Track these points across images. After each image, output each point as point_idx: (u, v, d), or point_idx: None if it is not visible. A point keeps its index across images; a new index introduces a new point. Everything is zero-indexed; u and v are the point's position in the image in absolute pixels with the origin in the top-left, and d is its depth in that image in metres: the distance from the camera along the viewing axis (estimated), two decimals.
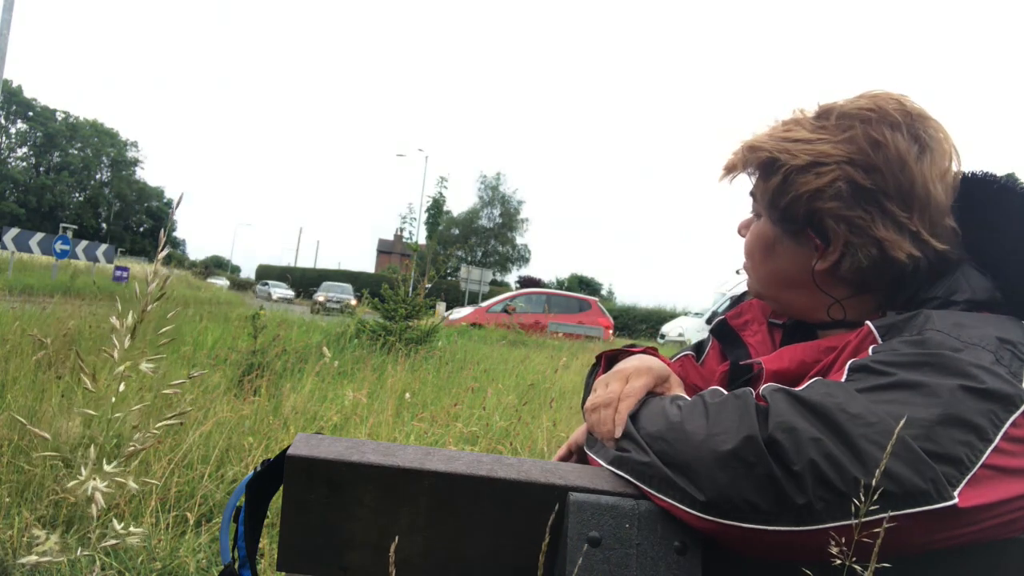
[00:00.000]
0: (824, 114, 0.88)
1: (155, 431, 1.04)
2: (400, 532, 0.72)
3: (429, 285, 8.49)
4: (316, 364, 5.21)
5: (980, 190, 0.84)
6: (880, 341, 0.76)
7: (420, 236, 39.22)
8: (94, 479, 0.89)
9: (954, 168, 0.86)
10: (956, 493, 0.61)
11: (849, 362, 0.73)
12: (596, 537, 0.69)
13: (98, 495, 0.90)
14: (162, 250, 0.96)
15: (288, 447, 0.74)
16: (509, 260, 48.97)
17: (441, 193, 40.92)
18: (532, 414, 4.79)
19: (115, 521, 0.93)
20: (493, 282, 41.09)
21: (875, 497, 0.60)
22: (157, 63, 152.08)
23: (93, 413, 0.97)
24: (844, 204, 0.83)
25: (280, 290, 36.53)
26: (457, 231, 47.41)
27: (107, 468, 0.93)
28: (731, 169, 0.95)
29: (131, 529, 0.93)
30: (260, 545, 2.31)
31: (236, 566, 0.83)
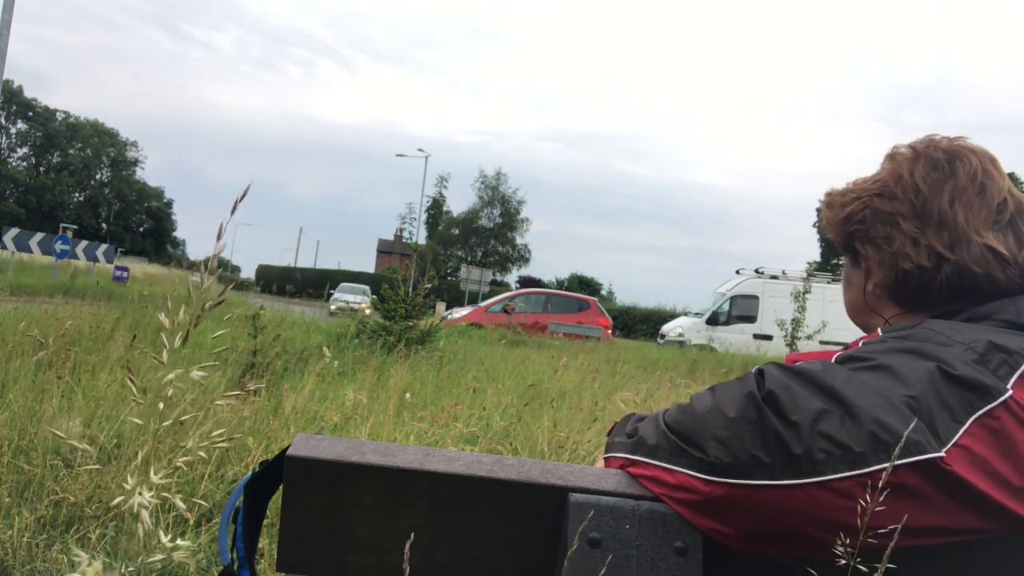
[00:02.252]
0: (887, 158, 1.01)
1: (203, 446, 1.03)
2: (400, 532, 0.72)
3: (429, 285, 8.48)
4: (316, 364, 5.21)
5: None
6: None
7: (420, 236, 39.29)
8: (140, 493, 0.87)
9: (992, 192, 0.89)
10: (944, 450, 0.64)
11: (836, 355, 0.79)
12: (596, 538, 0.69)
13: (144, 513, 0.88)
14: (218, 239, 0.92)
15: (288, 447, 0.74)
16: (509, 260, 48.93)
17: (441, 193, 40.97)
18: (532, 414, 4.79)
19: (162, 534, 0.91)
20: (493, 282, 41.09)
21: (874, 448, 0.63)
22: (157, 63, 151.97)
23: (139, 421, 0.96)
24: (867, 226, 0.95)
25: (355, 297, 26.54)
26: (457, 231, 47.39)
27: (154, 478, 0.91)
28: None
29: (179, 543, 0.91)
30: (260, 545, 2.31)
31: (235, 567, 0.83)
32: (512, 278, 53.22)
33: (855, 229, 0.97)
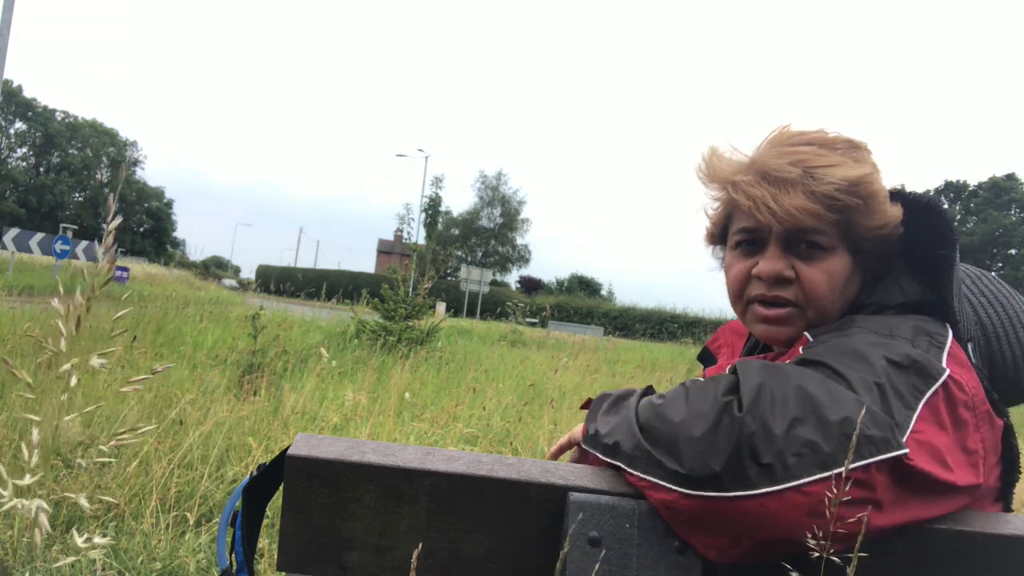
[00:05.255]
0: None
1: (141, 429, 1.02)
2: (400, 532, 0.72)
3: (428, 285, 8.47)
4: (316, 364, 5.21)
5: (913, 206, 0.95)
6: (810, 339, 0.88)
7: (419, 236, 39.25)
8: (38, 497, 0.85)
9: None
10: (904, 441, 0.67)
11: (789, 357, 0.83)
12: (596, 537, 0.69)
13: (43, 517, 0.87)
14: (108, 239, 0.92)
15: (288, 447, 0.74)
16: (509, 260, 48.90)
17: (437, 193, 40.90)
18: (532, 414, 4.79)
19: (75, 533, 0.90)
20: (493, 282, 41.07)
21: (846, 446, 0.64)
22: (156, 62, 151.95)
23: (35, 417, 0.94)
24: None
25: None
26: (457, 231, 47.36)
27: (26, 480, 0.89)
28: None
29: (95, 540, 0.90)
30: (260, 545, 2.31)
31: (234, 570, 0.83)
32: (512, 278, 53.23)
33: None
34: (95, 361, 0.91)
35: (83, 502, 0.90)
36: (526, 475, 0.73)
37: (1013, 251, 40.15)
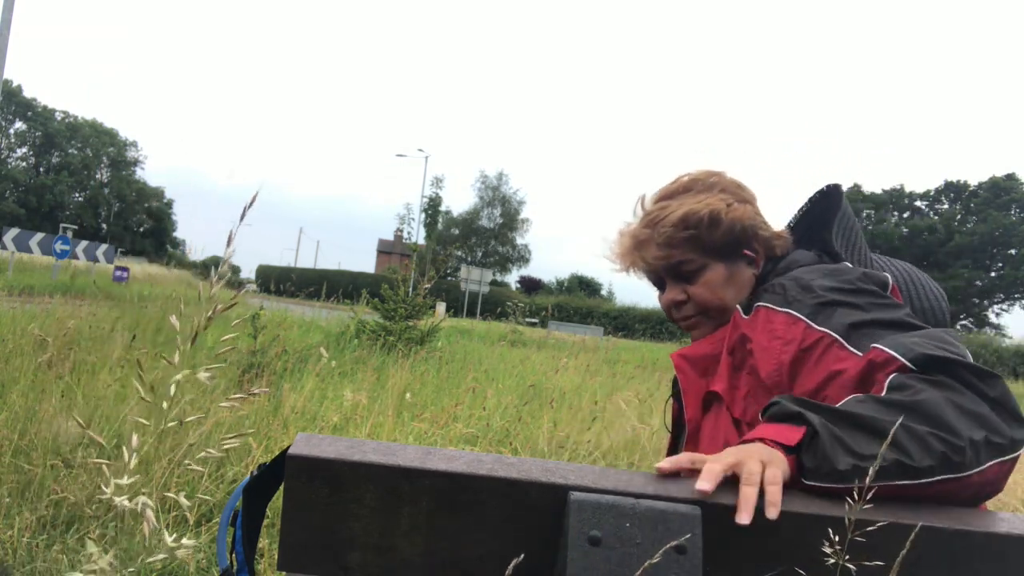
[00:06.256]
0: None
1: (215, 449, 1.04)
2: (400, 532, 0.72)
3: (428, 285, 8.47)
4: (316, 364, 5.21)
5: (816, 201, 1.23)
6: (744, 315, 1.10)
7: (419, 236, 39.25)
8: (143, 493, 0.87)
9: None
10: None
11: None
12: (596, 536, 0.69)
13: (149, 512, 0.88)
14: (229, 247, 0.93)
15: (288, 447, 0.74)
16: (509, 260, 48.90)
17: (437, 193, 40.93)
18: (532, 414, 4.79)
19: (165, 534, 0.91)
20: (493, 282, 41.05)
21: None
22: (157, 63, 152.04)
23: (145, 421, 0.96)
24: (756, 226, 1.25)
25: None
26: (457, 231, 47.37)
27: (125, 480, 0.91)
28: None
29: (183, 542, 0.91)
30: (260, 545, 2.31)
31: (234, 570, 0.83)
32: (512, 278, 53.22)
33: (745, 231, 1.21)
34: (202, 375, 0.95)
35: (182, 500, 0.94)
36: (526, 475, 0.73)
37: (1013, 251, 40.08)
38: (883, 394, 0.83)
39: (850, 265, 1.13)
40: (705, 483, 0.72)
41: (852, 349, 0.93)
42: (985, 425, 0.78)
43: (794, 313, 1.01)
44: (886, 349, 0.88)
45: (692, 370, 1.17)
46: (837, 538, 0.63)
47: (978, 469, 0.77)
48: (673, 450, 1.30)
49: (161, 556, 0.90)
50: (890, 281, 1.07)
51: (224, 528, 0.86)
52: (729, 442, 1.04)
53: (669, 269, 1.20)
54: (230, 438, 1.04)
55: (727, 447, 0.92)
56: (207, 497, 2.49)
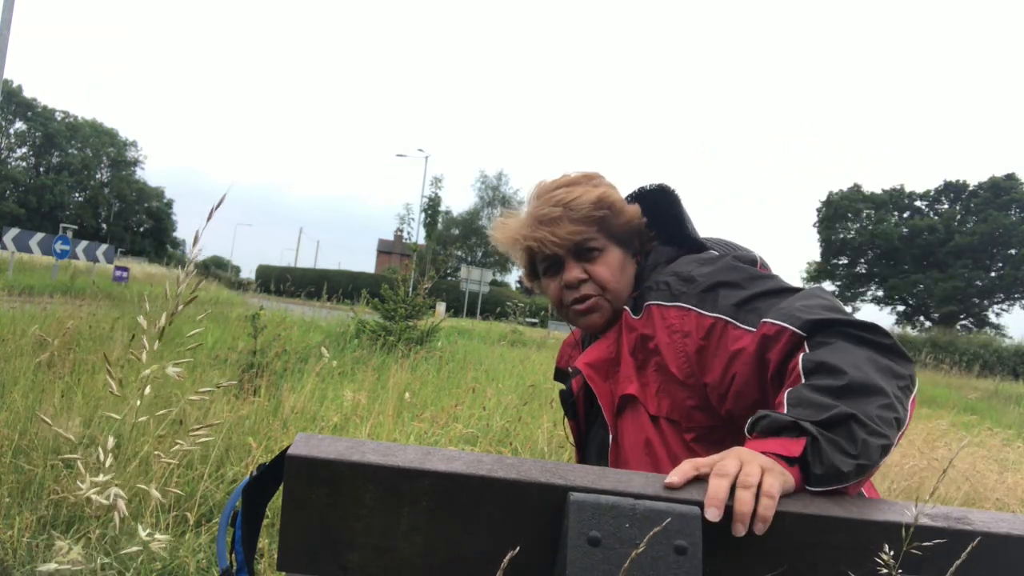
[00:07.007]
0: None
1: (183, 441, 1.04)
2: (400, 532, 0.72)
3: (428, 285, 8.47)
4: (316, 364, 5.21)
5: (648, 196, 1.32)
6: (634, 316, 1.16)
7: (419, 236, 39.25)
8: (115, 485, 0.87)
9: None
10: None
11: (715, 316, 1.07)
12: (596, 537, 0.69)
13: (120, 503, 0.88)
14: (196, 246, 0.94)
15: (288, 447, 0.74)
16: (509, 260, 48.78)
17: (436, 194, 40.94)
18: (532, 414, 4.79)
19: (139, 527, 0.91)
20: (493, 282, 41.04)
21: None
22: (157, 63, 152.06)
23: (116, 416, 0.97)
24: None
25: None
26: (457, 231, 47.36)
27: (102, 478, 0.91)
28: None
29: (157, 536, 0.91)
30: (260, 545, 2.31)
31: (234, 570, 0.83)
32: (512, 278, 53.16)
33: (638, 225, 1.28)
34: (171, 370, 0.95)
35: (154, 492, 0.95)
36: (526, 475, 0.73)
37: (1013, 251, 40.05)
38: (806, 381, 0.86)
39: (716, 252, 1.23)
40: (714, 506, 0.72)
41: (744, 327, 1.01)
42: (895, 374, 0.86)
43: (683, 305, 1.09)
44: (775, 322, 0.95)
45: (598, 376, 1.20)
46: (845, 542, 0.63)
47: (910, 415, 0.85)
48: (581, 463, 1.30)
49: (134, 548, 0.91)
50: (757, 256, 1.25)
51: (224, 528, 0.86)
52: (651, 439, 1.10)
53: (575, 247, 1.24)
54: (197, 430, 1.05)
55: (649, 444, 1.10)
56: (205, 502, 2.49)
